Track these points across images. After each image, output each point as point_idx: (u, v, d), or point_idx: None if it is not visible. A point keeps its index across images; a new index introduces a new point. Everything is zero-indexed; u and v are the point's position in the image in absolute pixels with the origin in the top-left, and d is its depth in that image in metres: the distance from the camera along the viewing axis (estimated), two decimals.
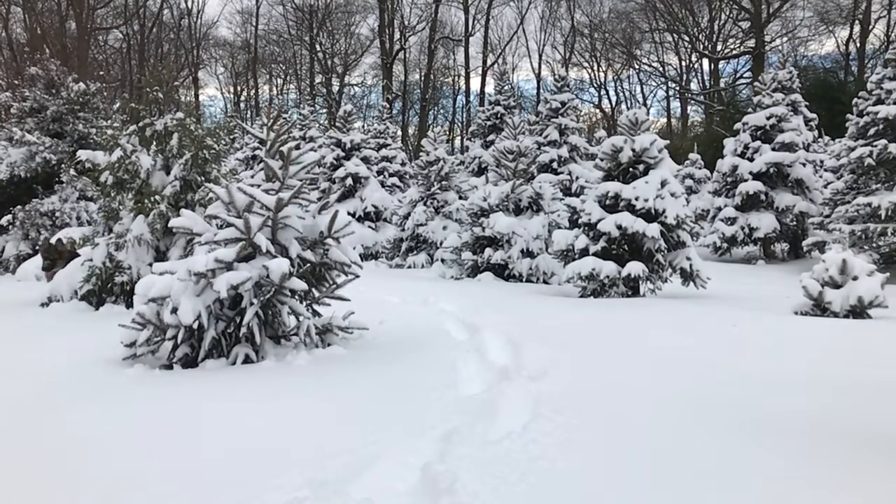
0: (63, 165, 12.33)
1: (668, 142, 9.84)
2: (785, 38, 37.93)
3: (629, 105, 44.33)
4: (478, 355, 4.74)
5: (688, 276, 9.09)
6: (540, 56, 46.33)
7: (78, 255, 8.09)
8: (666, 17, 40.63)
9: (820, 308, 7.32)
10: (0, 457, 2.86)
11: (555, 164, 18.69)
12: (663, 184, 9.11)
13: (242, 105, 48.80)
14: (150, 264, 7.01)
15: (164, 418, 3.33)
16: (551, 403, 3.41)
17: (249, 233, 4.53)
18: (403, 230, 15.74)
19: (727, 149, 17.50)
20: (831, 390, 3.83)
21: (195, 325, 4.32)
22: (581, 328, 6.21)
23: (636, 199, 8.97)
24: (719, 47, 39.28)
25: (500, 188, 12.05)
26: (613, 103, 46.20)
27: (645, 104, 45.48)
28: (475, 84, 49.36)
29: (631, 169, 9.42)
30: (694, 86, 42.53)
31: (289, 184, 5.00)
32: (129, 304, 7.05)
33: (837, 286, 7.33)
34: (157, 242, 7.49)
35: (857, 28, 34.50)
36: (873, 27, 33.99)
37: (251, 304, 4.44)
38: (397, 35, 44.39)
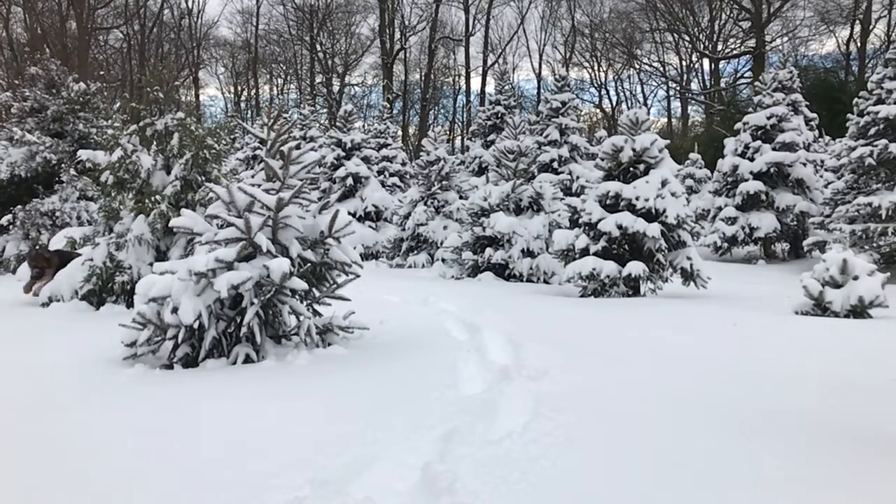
0: (63, 165, 12.33)
1: (668, 141, 9.84)
2: (785, 38, 37.99)
3: (630, 105, 44.34)
4: (478, 355, 4.74)
5: (688, 276, 9.09)
6: (540, 56, 46.42)
7: (68, 261, 7.89)
8: (666, 16, 40.64)
9: (820, 308, 7.32)
10: (0, 456, 2.86)
11: (555, 164, 18.70)
12: (664, 183, 9.11)
13: (243, 105, 48.85)
14: (151, 264, 7.02)
15: (165, 418, 3.33)
16: (551, 403, 3.41)
17: (250, 232, 4.53)
18: (404, 230, 15.74)
19: (727, 148, 17.50)
20: (832, 390, 3.83)
21: (196, 325, 4.32)
22: (581, 328, 6.21)
23: (637, 198, 8.97)
24: (720, 47, 39.30)
25: (501, 188, 12.05)
26: (614, 103, 46.27)
27: (645, 104, 45.53)
28: (475, 84, 49.42)
29: (631, 169, 9.42)
30: (694, 86, 42.60)
31: (289, 183, 5.00)
32: (130, 304, 7.04)
33: (838, 286, 7.33)
34: (157, 242, 7.49)
35: (857, 28, 34.53)
36: (874, 27, 34.03)
37: (252, 303, 4.44)
38: (398, 35, 44.46)
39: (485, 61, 44.67)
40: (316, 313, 5.12)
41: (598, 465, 2.67)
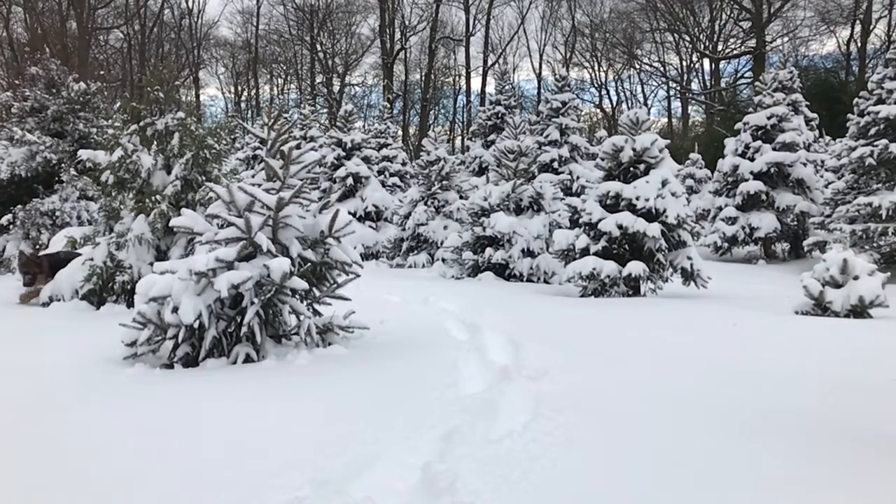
0: (63, 165, 12.33)
1: (668, 141, 9.84)
2: (786, 38, 37.98)
3: (630, 105, 44.33)
4: (478, 355, 4.74)
5: (688, 276, 9.09)
6: (541, 56, 46.41)
7: (61, 266, 7.83)
8: (667, 16, 40.63)
9: (821, 308, 7.32)
10: (0, 455, 2.86)
11: (555, 164, 18.69)
12: (664, 183, 9.11)
13: (243, 105, 48.84)
14: (151, 264, 7.02)
15: (165, 417, 3.33)
16: (552, 403, 3.41)
17: (250, 232, 4.53)
18: (404, 230, 15.74)
19: (728, 148, 17.49)
20: (832, 390, 3.83)
21: (196, 325, 4.32)
22: (582, 327, 6.21)
23: (637, 198, 8.97)
24: (720, 47, 39.29)
25: (501, 188, 12.05)
26: (614, 103, 46.26)
27: (646, 104, 45.50)
28: (476, 84, 49.40)
29: (632, 168, 9.42)
30: (695, 86, 42.59)
31: (289, 183, 5.00)
32: (130, 304, 7.04)
33: (838, 286, 7.32)
34: (157, 242, 7.50)
35: (857, 28, 34.51)
36: (874, 27, 34.02)
37: (252, 303, 4.44)
38: (398, 35, 44.45)
39: (485, 61, 44.69)
40: (316, 313, 5.12)
41: (599, 465, 2.67)
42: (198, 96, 44.63)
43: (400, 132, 37.65)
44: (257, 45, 46.65)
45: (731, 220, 16.55)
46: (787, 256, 17.13)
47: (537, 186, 12.21)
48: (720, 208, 17.17)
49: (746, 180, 16.46)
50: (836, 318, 7.09)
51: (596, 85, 46.89)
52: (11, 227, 11.98)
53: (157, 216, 7.30)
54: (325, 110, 42.03)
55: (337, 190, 17.81)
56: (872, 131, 13.62)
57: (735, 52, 38.70)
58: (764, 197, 16.27)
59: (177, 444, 2.95)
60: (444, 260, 13.30)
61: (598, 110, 46.04)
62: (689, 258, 9.06)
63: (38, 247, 11.29)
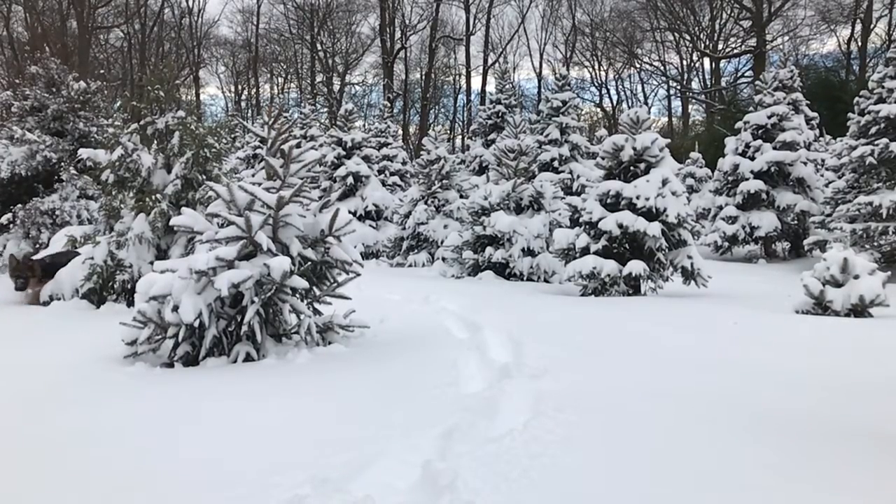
0: (63, 164, 12.32)
1: (668, 140, 9.84)
2: (786, 37, 37.92)
3: (630, 104, 44.26)
4: (479, 353, 4.74)
5: (689, 275, 9.08)
6: (541, 55, 46.36)
7: (55, 270, 7.76)
8: (667, 15, 40.59)
9: (821, 307, 7.31)
10: (0, 455, 2.86)
11: (556, 163, 18.68)
12: (664, 182, 9.11)
13: (243, 104, 48.80)
14: (152, 262, 7.02)
15: (165, 416, 3.33)
16: (552, 401, 3.41)
17: (250, 231, 4.53)
18: (404, 229, 15.74)
19: (728, 148, 17.47)
20: (832, 389, 3.83)
21: (196, 324, 4.32)
22: (582, 326, 6.20)
23: (637, 197, 8.97)
24: (720, 46, 39.24)
25: (501, 187, 12.05)
26: (614, 102, 46.21)
27: (646, 103, 45.44)
28: (476, 83, 49.41)
29: (632, 168, 9.42)
30: (695, 85, 42.52)
31: (290, 182, 5.00)
32: (131, 303, 7.04)
33: (839, 285, 7.32)
34: (158, 241, 7.49)
35: (858, 27, 34.48)
36: (875, 26, 33.98)
37: (252, 302, 4.44)
38: (398, 34, 44.42)
39: (485, 60, 44.64)
40: (316, 312, 5.12)
41: (599, 464, 2.67)
42: (198, 95, 44.63)
43: (400, 131, 37.64)
44: (257, 44, 46.64)
45: (732, 220, 16.54)
46: (787, 255, 17.13)
47: (537, 185, 12.20)
48: (720, 207, 17.16)
49: (747, 179, 16.44)
50: (837, 317, 7.09)
51: (596, 84, 46.90)
52: (11, 226, 11.98)
53: (157, 215, 7.30)
54: (326, 109, 42.02)
55: (337, 189, 17.80)
56: (873, 130, 13.60)
57: (735, 51, 38.67)
58: (764, 196, 16.26)
59: (177, 442, 2.95)
60: (444, 259, 13.29)
61: (599, 109, 46.03)
62: (690, 257, 9.06)
63: (38, 246, 11.28)
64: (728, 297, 9.04)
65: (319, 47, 45.79)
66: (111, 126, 11.43)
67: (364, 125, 26.23)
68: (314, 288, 5.00)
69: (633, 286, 9.07)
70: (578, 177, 18.14)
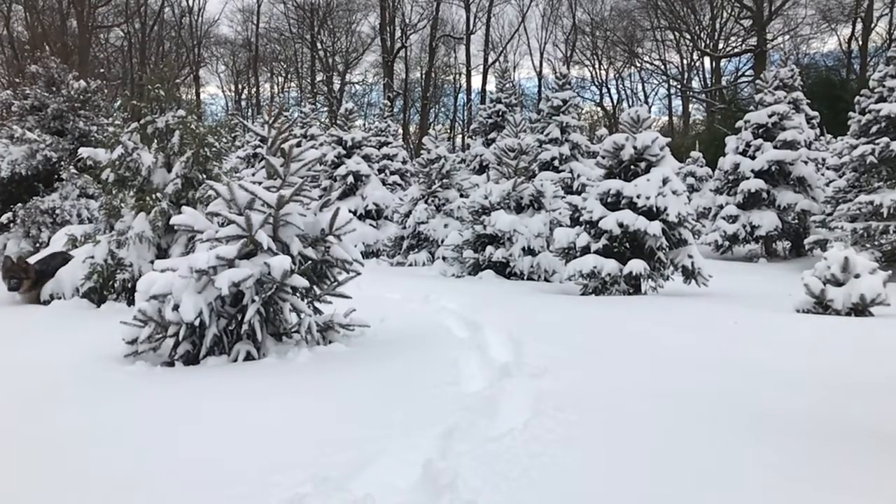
0: (64, 163, 12.32)
1: (669, 139, 9.83)
2: (787, 36, 37.91)
3: (631, 103, 44.22)
4: (479, 352, 4.74)
5: (689, 274, 9.08)
6: (541, 54, 46.35)
7: (51, 272, 7.70)
8: (668, 14, 40.56)
9: (822, 306, 7.31)
10: (0, 454, 2.86)
11: (556, 162, 18.68)
12: (665, 181, 9.10)
13: (243, 103, 48.80)
14: (152, 262, 7.01)
15: (166, 415, 3.33)
16: (552, 400, 3.41)
17: (251, 230, 4.53)
18: (404, 228, 15.73)
19: (729, 147, 17.46)
20: (833, 388, 3.83)
21: (196, 323, 4.32)
22: (582, 326, 6.20)
23: (638, 196, 8.96)
24: (721, 45, 39.21)
25: (502, 186, 12.04)
26: (615, 101, 46.18)
27: (646, 102, 45.40)
28: (476, 82, 49.37)
29: (632, 167, 9.41)
30: (695, 84, 42.49)
31: (290, 181, 5.00)
32: (131, 302, 7.04)
33: (839, 284, 7.32)
34: (158, 240, 7.49)
35: (859, 26, 34.45)
36: (875, 25, 33.96)
37: (253, 301, 4.44)
38: (398, 33, 44.42)
39: (486, 59, 44.63)
40: (317, 311, 5.12)
41: (599, 463, 2.67)
42: (198, 94, 44.63)
43: (400, 130, 37.62)
44: (258, 43, 46.62)
45: (732, 219, 16.53)
46: (788, 255, 17.12)
47: (538, 185, 12.19)
48: (721, 206, 17.15)
49: (747, 178, 16.43)
50: (838, 316, 7.09)
51: (597, 83, 46.88)
52: (12, 225, 11.98)
53: (157, 214, 7.30)
54: (326, 108, 42.02)
55: (337, 188, 17.79)
56: (874, 129, 13.59)
57: (736, 50, 38.63)
58: (765, 195, 16.25)
59: (177, 441, 2.95)
60: (444, 258, 13.29)
61: (599, 108, 46.01)
62: (690, 256, 9.05)
63: (38, 245, 11.29)
64: (729, 296, 9.04)
65: (319, 46, 45.78)
66: (111, 125, 11.42)
67: (364, 124, 26.22)
68: (314, 287, 5.00)
69: (633, 285, 9.06)
70: (579, 176, 18.13)
